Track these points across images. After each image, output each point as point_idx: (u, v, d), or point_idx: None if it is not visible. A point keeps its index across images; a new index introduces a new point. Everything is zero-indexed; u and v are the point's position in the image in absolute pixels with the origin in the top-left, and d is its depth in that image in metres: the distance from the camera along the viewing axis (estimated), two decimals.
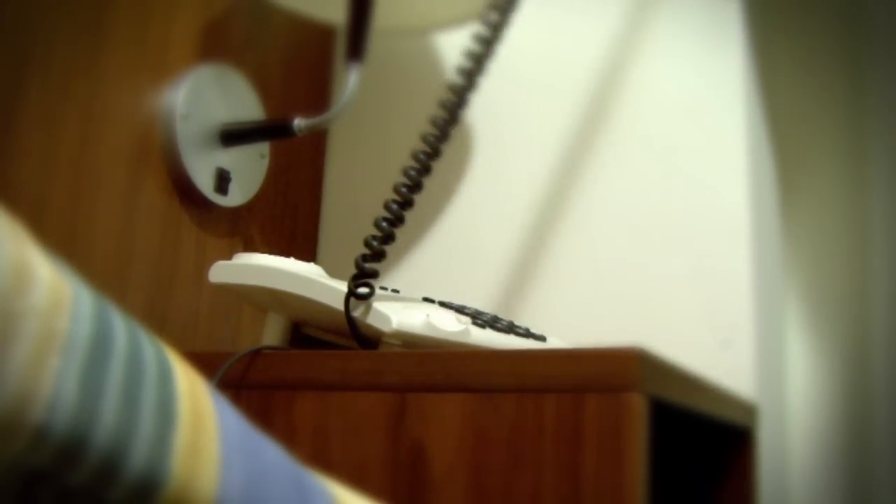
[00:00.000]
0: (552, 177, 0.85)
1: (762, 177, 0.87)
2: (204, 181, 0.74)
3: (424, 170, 0.59)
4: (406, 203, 0.57)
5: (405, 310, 0.53)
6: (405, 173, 0.58)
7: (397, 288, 0.87)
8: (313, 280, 0.55)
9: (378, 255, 0.56)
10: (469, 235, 0.87)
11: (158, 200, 0.72)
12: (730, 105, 0.80)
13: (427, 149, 0.59)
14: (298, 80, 0.90)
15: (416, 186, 0.58)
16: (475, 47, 0.65)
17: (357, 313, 0.53)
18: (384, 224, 0.57)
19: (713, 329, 0.76)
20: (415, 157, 0.59)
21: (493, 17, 0.66)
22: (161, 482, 0.26)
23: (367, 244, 0.56)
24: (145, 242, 0.70)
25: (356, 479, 0.47)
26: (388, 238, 0.56)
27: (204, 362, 0.52)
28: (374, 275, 0.55)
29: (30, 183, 0.61)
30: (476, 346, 0.55)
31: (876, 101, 0.97)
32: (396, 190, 0.58)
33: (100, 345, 0.26)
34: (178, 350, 0.32)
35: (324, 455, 0.49)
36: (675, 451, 0.73)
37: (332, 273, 0.61)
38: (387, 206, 0.57)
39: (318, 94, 0.93)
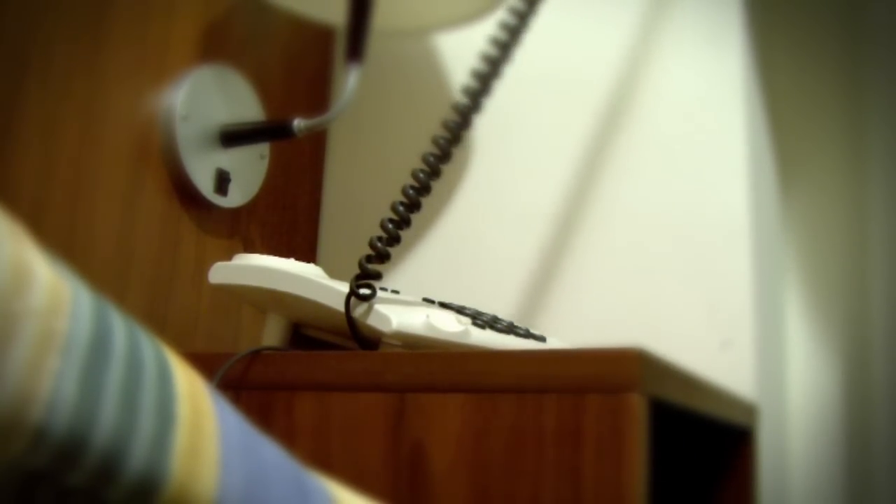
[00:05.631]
0: (552, 177, 0.85)
1: (762, 176, 0.87)
2: (204, 182, 0.74)
3: (434, 173, 0.58)
4: (413, 205, 0.57)
5: (405, 310, 0.53)
6: (414, 175, 0.58)
7: (397, 288, 0.87)
8: (313, 281, 0.55)
9: (382, 257, 0.56)
10: (470, 236, 0.87)
11: (158, 201, 0.72)
12: (730, 105, 0.80)
13: (437, 151, 0.59)
14: (298, 80, 0.90)
15: (424, 189, 0.58)
16: (490, 51, 0.64)
17: (357, 314, 0.53)
18: (390, 226, 0.56)
19: (713, 329, 0.76)
20: (425, 159, 0.59)
21: (511, 21, 0.65)
22: (160, 482, 0.26)
23: (371, 245, 0.56)
24: (145, 243, 0.70)
25: (356, 479, 0.47)
26: (393, 240, 0.56)
27: (204, 363, 0.52)
28: (377, 276, 0.54)
29: (29, 183, 0.61)
30: (476, 346, 0.55)
31: (875, 100, 0.97)
32: (404, 192, 0.57)
33: (99, 345, 0.26)
34: (177, 350, 0.32)
35: (324, 455, 0.49)
36: (675, 451, 0.73)
37: (332, 274, 0.61)
38: (393, 208, 0.57)
39: (318, 95, 0.93)
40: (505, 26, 0.65)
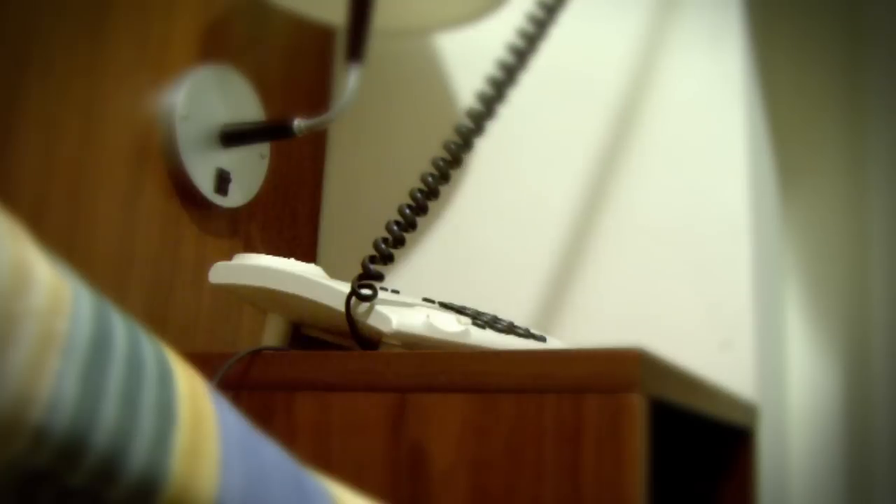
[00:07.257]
0: (553, 178, 0.85)
1: (762, 177, 0.87)
2: (204, 182, 0.74)
3: (443, 177, 0.58)
4: (420, 209, 0.57)
5: (405, 310, 0.53)
6: (423, 179, 0.58)
7: (397, 288, 0.87)
8: (313, 281, 0.55)
9: (386, 258, 0.55)
10: (470, 235, 0.87)
11: (158, 201, 0.72)
12: (730, 105, 0.80)
13: (448, 157, 0.59)
14: (298, 80, 0.90)
15: (432, 193, 0.58)
16: (507, 59, 0.64)
17: (357, 314, 0.53)
18: (396, 228, 0.56)
19: (713, 329, 0.76)
20: (434, 164, 0.59)
21: (529, 29, 0.65)
22: (161, 483, 0.26)
23: (375, 246, 0.56)
24: (145, 243, 0.70)
25: (356, 479, 0.47)
26: (398, 242, 0.56)
27: (204, 362, 0.52)
28: (380, 277, 0.54)
29: (30, 183, 0.61)
30: (476, 346, 0.55)
31: (875, 101, 0.97)
32: (412, 195, 0.57)
33: (100, 345, 0.26)
34: (178, 350, 0.32)
35: (324, 455, 0.49)
36: (675, 451, 0.73)
37: (332, 274, 0.61)
38: (401, 211, 0.57)
39: (318, 95, 0.93)
40: (523, 34, 0.65)
